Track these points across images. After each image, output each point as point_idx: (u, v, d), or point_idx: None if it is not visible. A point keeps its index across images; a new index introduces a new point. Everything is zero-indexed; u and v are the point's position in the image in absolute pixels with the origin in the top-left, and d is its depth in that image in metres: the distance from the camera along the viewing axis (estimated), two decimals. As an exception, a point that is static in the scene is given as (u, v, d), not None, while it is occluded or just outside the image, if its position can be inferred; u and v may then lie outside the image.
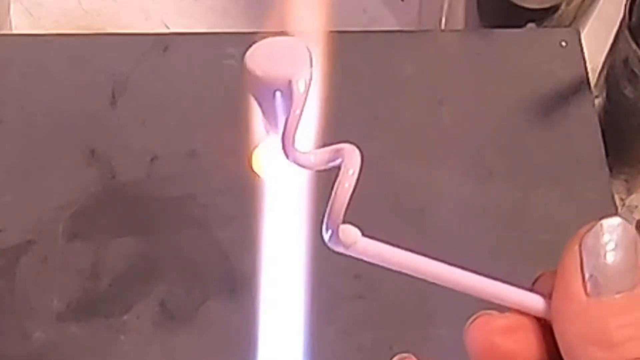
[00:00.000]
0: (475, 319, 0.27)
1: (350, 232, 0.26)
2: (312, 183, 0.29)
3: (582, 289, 0.25)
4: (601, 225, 0.25)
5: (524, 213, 0.56)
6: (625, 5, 0.62)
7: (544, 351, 0.26)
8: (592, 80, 0.63)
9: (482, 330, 0.27)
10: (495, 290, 0.28)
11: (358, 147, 0.26)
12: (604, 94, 0.67)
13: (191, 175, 0.57)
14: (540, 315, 0.27)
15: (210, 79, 0.61)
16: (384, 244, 0.27)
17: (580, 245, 0.25)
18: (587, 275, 0.25)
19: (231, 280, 0.54)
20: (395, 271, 0.27)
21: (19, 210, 0.56)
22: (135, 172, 0.57)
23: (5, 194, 0.56)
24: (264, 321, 0.30)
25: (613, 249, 0.25)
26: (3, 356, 0.52)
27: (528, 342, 0.27)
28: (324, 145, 0.27)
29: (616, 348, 0.24)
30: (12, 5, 0.74)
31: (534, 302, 0.27)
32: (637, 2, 0.62)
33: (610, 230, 0.25)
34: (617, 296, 0.24)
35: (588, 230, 0.25)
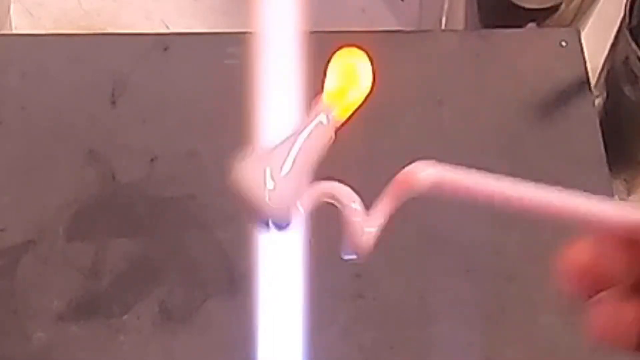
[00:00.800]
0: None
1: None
2: (310, 180, 0.29)
3: None
4: None
5: (524, 213, 0.56)
6: (625, 6, 0.62)
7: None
8: (592, 80, 0.63)
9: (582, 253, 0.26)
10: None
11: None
12: (604, 94, 0.67)
13: (191, 175, 0.57)
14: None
15: (210, 79, 0.61)
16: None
17: None
18: None
19: (231, 280, 0.54)
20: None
21: (19, 210, 0.56)
22: (135, 172, 0.57)
23: (5, 194, 0.56)
24: (263, 321, 0.30)
25: None
26: (3, 356, 0.52)
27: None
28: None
29: None
30: (12, 5, 0.74)
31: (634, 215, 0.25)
32: (637, 2, 0.62)
33: None
34: None
35: None
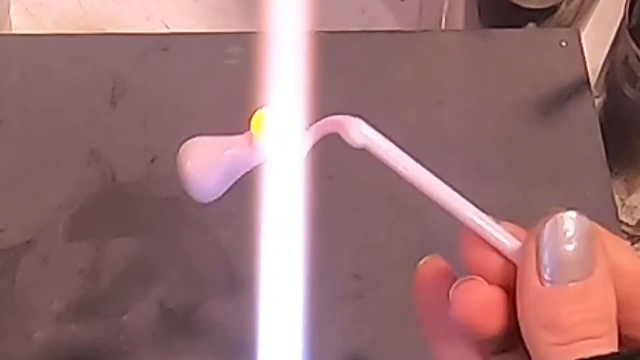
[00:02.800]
0: (459, 285, 0.29)
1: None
2: (310, 181, 0.29)
3: (537, 278, 0.26)
4: (557, 217, 0.27)
5: (524, 213, 0.56)
6: (625, 5, 0.62)
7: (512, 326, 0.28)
8: (592, 80, 0.63)
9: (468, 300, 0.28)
10: (476, 219, 0.30)
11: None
12: (604, 94, 0.67)
13: (191, 175, 0.57)
14: (510, 258, 0.28)
15: (210, 79, 0.61)
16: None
17: (537, 237, 0.27)
18: (542, 265, 0.26)
19: (231, 280, 0.54)
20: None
21: (19, 210, 0.56)
22: (135, 172, 0.57)
23: (5, 194, 0.56)
24: (264, 321, 0.30)
25: (567, 241, 0.26)
26: (3, 356, 0.52)
27: (502, 316, 0.28)
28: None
29: (566, 332, 0.25)
30: (12, 5, 0.74)
31: (511, 246, 0.28)
32: (637, 2, 0.62)
33: (565, 223, 0.26)
34: (570, 285, 0.26)
35: (545, 222, 0.27)
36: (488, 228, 0.29)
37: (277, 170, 0.29)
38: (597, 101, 0.66)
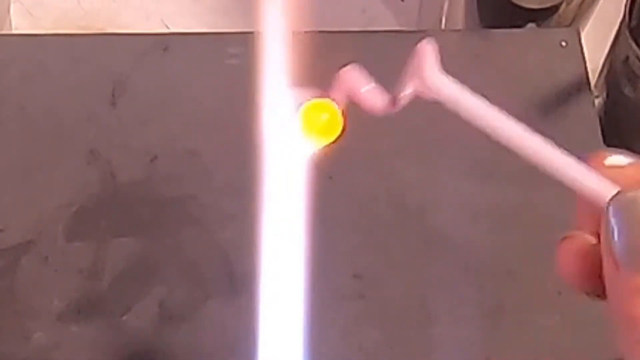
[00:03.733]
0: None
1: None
2: (310, 181, 0.29)
3: (610, 260, 0.23)
4: (633, 196, 0.24)
5: (524, 213, 0.56)
6: (625, 6, 0.62)
7: None
8: (592, 80, 0.63)
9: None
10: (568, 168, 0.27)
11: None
12: (604, 94, 0.67)
13: (191, 175, 0.57)
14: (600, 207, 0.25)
15: (210, 79, 0.61)
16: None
17: (605, 214, 0.24)
18: (615, 247, 0.23)
19: (231, 280, 0.54)
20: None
21: (19, 210, 0.56)
22: (135, 172, 0.57)
23: (5, 194, 0.56)
24: (264, 321, 0.30)
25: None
26: (3, 356, 0.52)
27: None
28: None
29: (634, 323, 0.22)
30: (12, 5, 0.74)
31: (604, 193, 0.25)
32: (637, 2, 0.62)
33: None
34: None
35: (619, 198, 0.24)
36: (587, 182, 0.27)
37: (277, 171, 0.28)
38: (597, 101, 0.66)
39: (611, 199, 0.24)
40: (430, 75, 0.27)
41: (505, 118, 0.27)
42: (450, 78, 0.28)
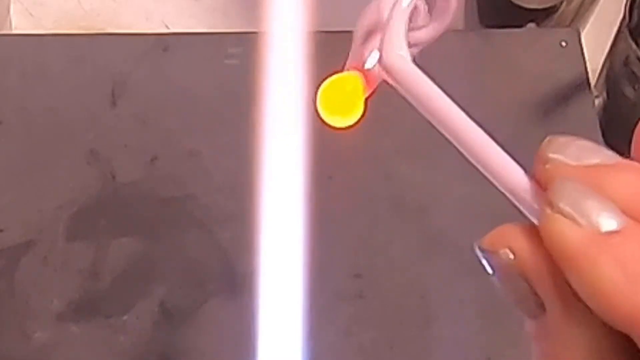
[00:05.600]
0: None
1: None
2: (310, 181, 0.29)
3: None
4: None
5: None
6: (625, 5, 0.62)
7: None
8: (592, 80, 0.63)
9: None
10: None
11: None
12: (604, 94, 0.67)
13: (191, 175, 0.57)
14: None
15: (210, 79, 0.61)
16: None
17: None
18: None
19: (231, 280, 0.54)
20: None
21: (19, 210, 0.56)
22: (135, 172, 0.57)
23: (5, 194, 0.56)
24: (264, 321, 0.30)
25: None
26: (3, 356, 0.52)
27: None
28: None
29: None
30: (12, 5, 0.74)
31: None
32: (637, 2, 0.62)
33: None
34: None
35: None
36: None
37: (277, 171, 0.28)
38: (597, 101, 0.65)
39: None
40: (389, 52, 0.25)
41: (462, 116, 0.26)
42: (409, 61, 0.26)
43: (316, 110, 0.26)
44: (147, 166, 0.58)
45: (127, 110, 0.60)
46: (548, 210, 0.22)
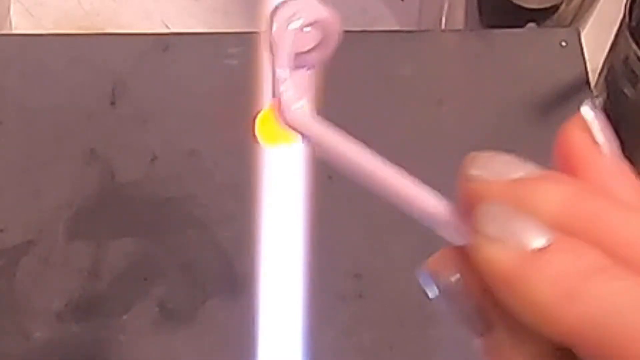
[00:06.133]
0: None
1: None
2: (310, 181, 0.29)
3: None
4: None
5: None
6: (625, 5, 0.62)
7: None
8: (592, 80, 0.63)
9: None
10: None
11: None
12: (604, 94, 0.67)
13: (191, 175, 0.57)
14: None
15: (210, 79, 0.61)
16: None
17: None
18: None
19: (231, 280, 0.54)
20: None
21: (19, 210, 0.56)
22: (135, 172, 0.57)
23: (5, 194, 0.56)
24: (264, 321, 0.30)
25: None
26: (3, 356, 0.52)
27: None
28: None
29: None
30: (12, 5, 0.74)
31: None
32: (637, 2, 0.62)
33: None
34: None
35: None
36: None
37: (277, 171, 0.28)
38: (597, 101, 0.65)
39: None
40: (285, 113, 0.24)
41: (377, 160, 0.25)
42: (307, 114, 0.24)
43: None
44: (147, 166, 0.58)
45: (127, 110, 0.60)
46: (475, 237, 0.22)
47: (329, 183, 0.56)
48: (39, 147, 0.58)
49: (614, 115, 0.66)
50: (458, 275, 0.23)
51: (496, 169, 0.23)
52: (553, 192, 0.22)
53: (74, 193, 0.56)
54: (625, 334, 0.20)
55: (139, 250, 0.55)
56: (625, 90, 0.64)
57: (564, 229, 0.21)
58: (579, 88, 0.61)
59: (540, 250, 0.21)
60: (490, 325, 0.23)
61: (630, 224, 0.21)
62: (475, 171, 0.24)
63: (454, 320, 0.24)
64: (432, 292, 0.24)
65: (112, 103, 0.60)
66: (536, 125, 0.60)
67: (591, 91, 0.61)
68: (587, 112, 0.23)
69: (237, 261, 0.54)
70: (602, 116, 0.23)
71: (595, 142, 0.23)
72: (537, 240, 0.21)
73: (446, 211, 0.25)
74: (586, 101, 0.24)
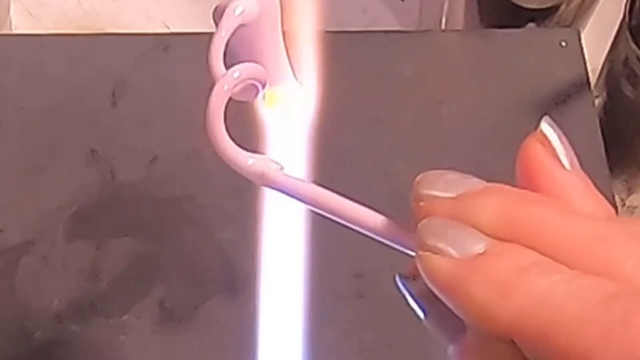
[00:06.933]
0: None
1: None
2: (310, 181, 0.29)
3: None
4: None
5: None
6: (625, 6, 0.62)
7: None
8: (592, 80, 0.63)
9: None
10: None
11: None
12: (604, 94, 0.67)
13: (191, 175, 0.57)
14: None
15: (210, 79, 0.61)
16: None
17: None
18: None
19: (231, 280, 0.54)
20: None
21: (19, 210, 0.56)
22: (135, 172, 0.57)
23: (5, 194, 0.56)
24: (264, 321, 0.30)
25: None
26: (3, 356, 0.52)
27: None
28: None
29: None
30: (12, 5, 0.74)
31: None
32: (637, 2, 0.62)
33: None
34: None
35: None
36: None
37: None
38: (597, 101, 0.66)
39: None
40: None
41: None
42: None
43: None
44: (147, 166, 0.58)
45: (127, 110, 0.60)
46: (419, 250, 0.24)
47: (329, 183, 0.56)
48: (39, 147, 0.58)
49: (614, 115, 0.66)
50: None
51: (442, 187, 0.25)
52: (490, 203, 0.23)
53: (74, 193, 0.56)
54: (558, 321, 0.20)
55: (139, 250, 0.55)
56: (625, 90, 0.64)
57: (502, 235, 0.23)
58: (579, 88, 0.61)
59: (478, 256, 0.22)
60: (460, 329, 0.24)
61: (570, 227, 0.22)
62: (423, 190, 0.26)
63: (427, 328, 0.25)
64: (408, 297, 0.27)
65: (112, 103, 0.60)
66: (536, 125, 0.60)
67: (591, 91, 0.61)
68: (547, 127, 0.25)
69: (237, 261, 0.54)
70: (560, 131, 0.25)
71: (555, 156, 0.25)
72: (474, 247, 0.22)
73: (391, 228, 0.27)
74: (545, 117, 0.25)
